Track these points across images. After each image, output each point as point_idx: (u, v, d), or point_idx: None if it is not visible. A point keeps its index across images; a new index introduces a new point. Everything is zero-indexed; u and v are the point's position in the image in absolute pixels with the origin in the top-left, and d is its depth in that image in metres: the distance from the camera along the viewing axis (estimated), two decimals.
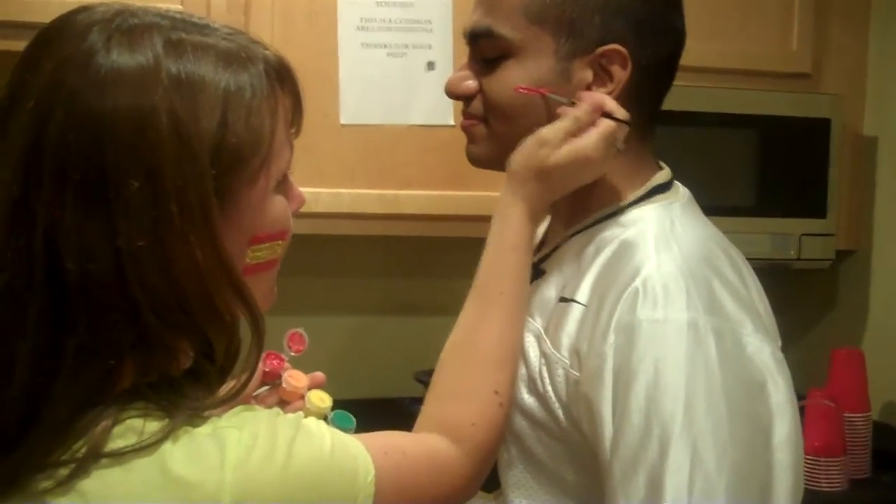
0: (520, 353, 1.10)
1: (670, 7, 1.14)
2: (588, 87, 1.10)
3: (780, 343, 1.07)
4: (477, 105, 1.15)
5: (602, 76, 1.10)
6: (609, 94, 1.09)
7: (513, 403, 1.10)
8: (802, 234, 2.37)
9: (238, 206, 0.87)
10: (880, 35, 2.46)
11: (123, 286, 0.80)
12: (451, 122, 2.18)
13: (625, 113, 1.08)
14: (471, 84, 1.15)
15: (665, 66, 1.15)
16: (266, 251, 0.91)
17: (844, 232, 2.46)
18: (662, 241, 1.07)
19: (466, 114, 1.17)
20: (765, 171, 2.36)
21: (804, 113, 2.36)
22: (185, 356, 0.86)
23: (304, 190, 2.03)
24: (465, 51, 1.19)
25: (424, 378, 2.32)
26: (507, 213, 1.11)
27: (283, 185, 0.93)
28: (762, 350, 1.01)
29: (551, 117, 1.10)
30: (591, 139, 1.07)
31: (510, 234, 1.10)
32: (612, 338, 1.00)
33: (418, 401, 2.50)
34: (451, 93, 1.17)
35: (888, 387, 2.42)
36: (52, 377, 0.80)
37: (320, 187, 2.15)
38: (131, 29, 0.83)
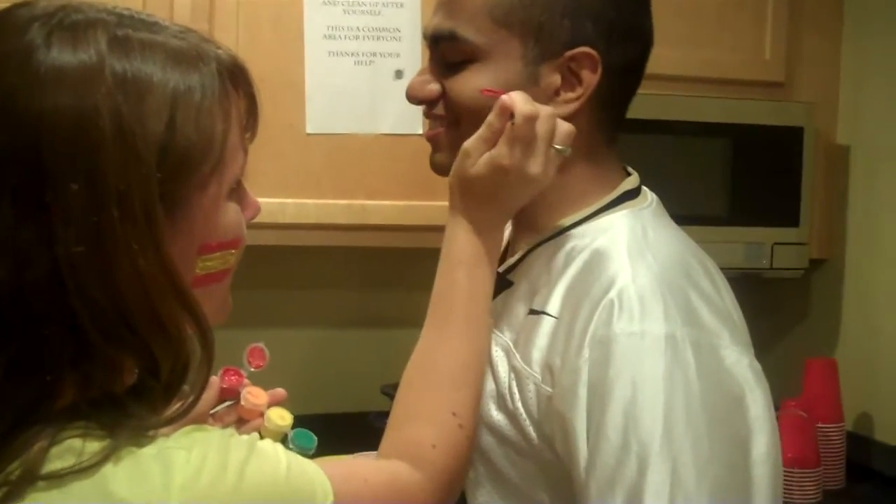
0: (480, 372, 1.07)
1: (640, 9, 1.11)
2: (556, 92, 1.07)
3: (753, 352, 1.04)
4: (441, 109, 1.11)
5: (571, 80, 1.07)
6: (578, 98, 1.07)
7: (478, 422, 1.06)
8: (775, 244, 2.35)
9: (187, 212, 0.82)
10: (853, 43, 2.46)
11: (61, 296, 0.75)
12: (420, 132, 2.13)
13: (528, 112, 1.01)
14: (433, 87, 1.11)
15: (633, 69, 1.12)
16: (217, 261, 0.87)
17: (817, 241, 2.45)
18: (636, 250, 1.04)
19: (431, 115, 1.13)
20: (738, 180, 2.34)
21: (777, 121, 2.34)
22: (130, 372, 0.82)
23: (270, 200, 2.04)
24: None
25: (391, 391, 2.27)
26: (451, 231, 1.09)
27: (238, 192, 0.89)
28: (740, 362, 0.99)
29: None
30: (501, 147, 1.03)
31: (455, 250, 1.07)
32: (586, 352, 0.97)
33: (385, 415, 2.47)
34: (413, 97, 1.13)
35: (861, 396, 2.41)
36: None
37: (286, 197, 2.11)
38: (74, 25, 0.79)
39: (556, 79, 1.07)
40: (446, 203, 2.11)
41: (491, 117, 1.03)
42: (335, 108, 2.15)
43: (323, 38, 2.14)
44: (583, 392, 0.96)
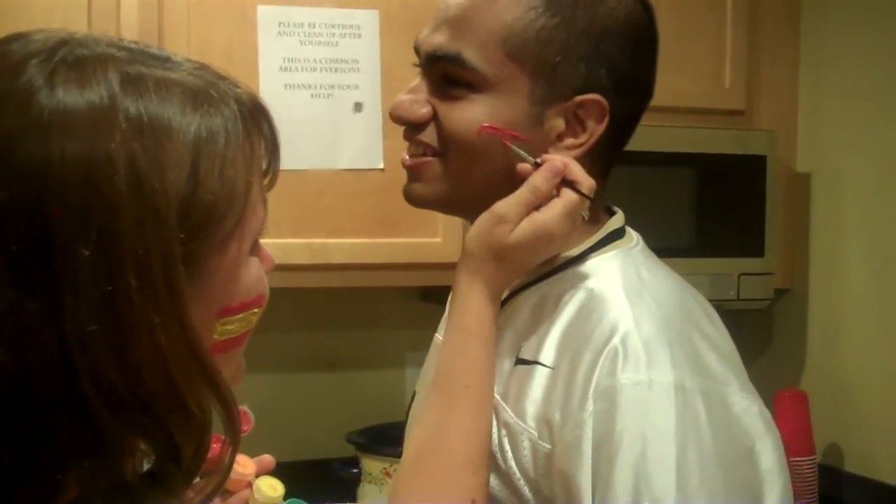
0: (490, 450, 0.99)
1: (651, 65, 1.07)
2: (560, 137, 1.01)
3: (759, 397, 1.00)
4: (430, 134, 1.03)
5: (574, 126, 1.01)
6: (580, 146, 1.01)
7: None
8: (741, 274, 2.32)
9: (207, 275, 0.72)
10: (810, 71, 2.45)
11: (71, 380, 0.65)
12: (381, 166, 2.07)
13: (591, 184, 0.98)
14: (425, 111, 1.02)
15: (633, 122, 1.07)
16: (239, 323, 0.77)
17: (781, 270, 2.43)
18: (634, 293, 0.98)
19: (416, 140, 1.04)
20: (702, 210, 2.31)
21: (740, 150, 2.32)
22: (142, 454, 0.71)
23: None
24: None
25: (356, 439, 2.19)
26: (465, 298, 1.00)
27: (255, 248, 0.79)
28: (749, 410, 0.95)
29: (514, 165, 1.00)
30: (553, 214, 0.97)
31: (472, 320, 0.99)
32: (591, 405, 0.92)
33: (348, 462, 2.36)
34: (400, 118, 1.04)
35: (830, 428, 2.39)
36: None
37: None
38: (80, 61, 0.68)
39: (560, 123, 1.01)
40: (407, 239, 2.08)
41: (538, 181, 0.97)
42: (292, 143, 2.01)
43: (279, 71, 2.05)
44: (587, 448, 0.91)
